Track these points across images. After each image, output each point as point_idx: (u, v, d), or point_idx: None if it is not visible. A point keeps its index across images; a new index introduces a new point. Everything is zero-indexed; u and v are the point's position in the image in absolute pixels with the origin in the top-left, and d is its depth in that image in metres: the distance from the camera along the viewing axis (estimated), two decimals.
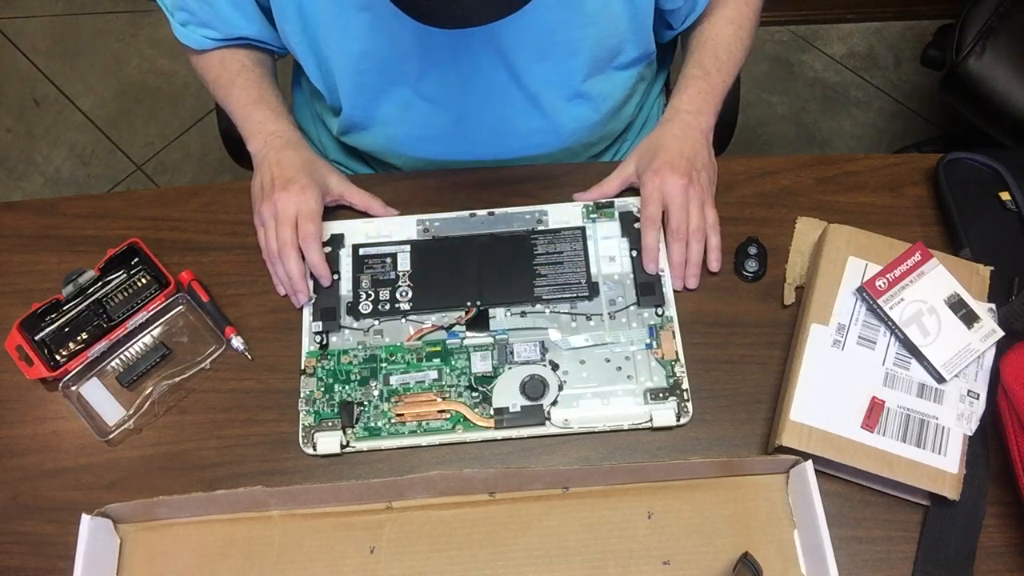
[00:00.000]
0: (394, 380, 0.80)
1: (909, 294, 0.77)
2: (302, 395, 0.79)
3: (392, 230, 0.87)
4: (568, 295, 0.83)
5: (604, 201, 0.88)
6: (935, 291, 0.77)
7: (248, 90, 0.90)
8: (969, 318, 0.76)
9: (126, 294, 0.83)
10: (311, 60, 0.88)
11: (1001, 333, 0.76)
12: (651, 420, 0.77)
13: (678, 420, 0.78)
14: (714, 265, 0.84)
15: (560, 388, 0.79)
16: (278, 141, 0.86)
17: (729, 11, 0.91)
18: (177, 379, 0.81)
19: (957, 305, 0.77)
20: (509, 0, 0.64)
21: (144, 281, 0.84)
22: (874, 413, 0.73)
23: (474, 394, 0.79)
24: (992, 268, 0.79)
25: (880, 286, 0.77)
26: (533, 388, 0.79)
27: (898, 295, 0.77)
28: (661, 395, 0.78)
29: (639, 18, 0.84)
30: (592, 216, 0.87)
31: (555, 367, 0.80)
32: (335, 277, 0.85)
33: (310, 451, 0.77)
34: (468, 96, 0.87)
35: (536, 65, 0.84)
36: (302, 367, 0.81)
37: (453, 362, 0.81)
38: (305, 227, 0.81)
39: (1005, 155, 0.88)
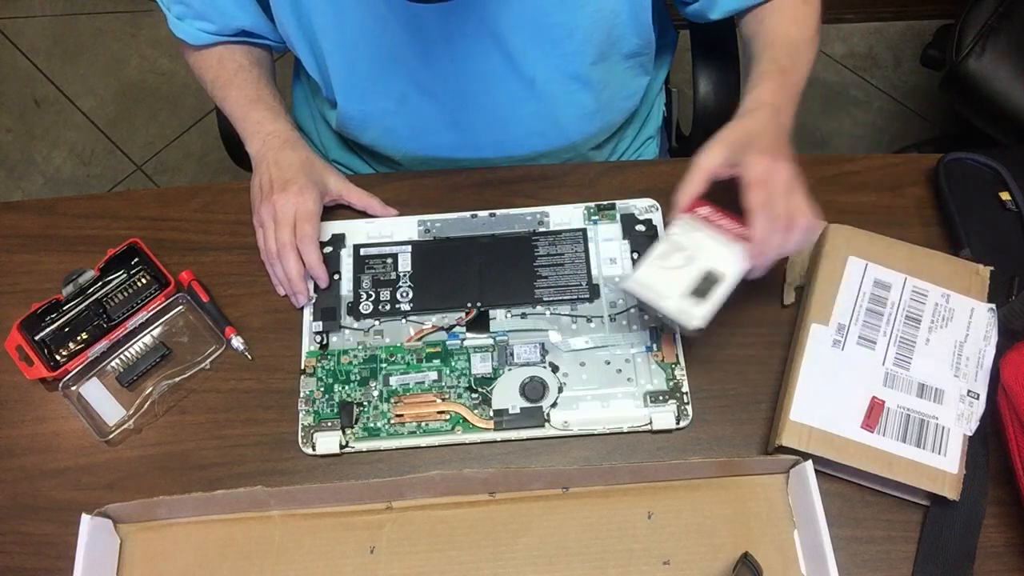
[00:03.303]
0: (394, 381, 0.80)
1: (909, 294, 0.77)
2: (302, 395, 0.79)
3: (393, 230, 0.87)
4: (569, 297, 0.83)
5: (606, 203, 0.87)
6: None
7: (245, 90, 0.90)
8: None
9: (126, 294, 0.83)
10: (306, 49, 0.88)
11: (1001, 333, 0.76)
12: (651, 423, 0.77)
13: (677, 423, 0.77)
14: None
15: (560, 390, 0.79)
16: (276, 141, 0.86)
17: (790, 12, 0.86)
18: (177, 379, 0.81)
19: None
20: None
21: (144, 281, 0.84)
22: (874, 413, 0.73)
23: (474, 395, 0.79)
24: (992, 268, 0.79)
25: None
26: (533, 390, 0.79)
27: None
28: (661, 398, 0.78)
29: (635, 2, 0.83)
30: (594, 218, 0.87)
31: (555, 369, 0.80)
32: (335, 277, 0.85)
33: (309, 451, 0.77)
34: (465, 85, 0.87)
35: (532, 48, 0.83)
36: (302, 367, 0.81)
37: (453, 363, 0.81)
38: (303, 228, 0.82)
39: (1005, 155, 0.88)
